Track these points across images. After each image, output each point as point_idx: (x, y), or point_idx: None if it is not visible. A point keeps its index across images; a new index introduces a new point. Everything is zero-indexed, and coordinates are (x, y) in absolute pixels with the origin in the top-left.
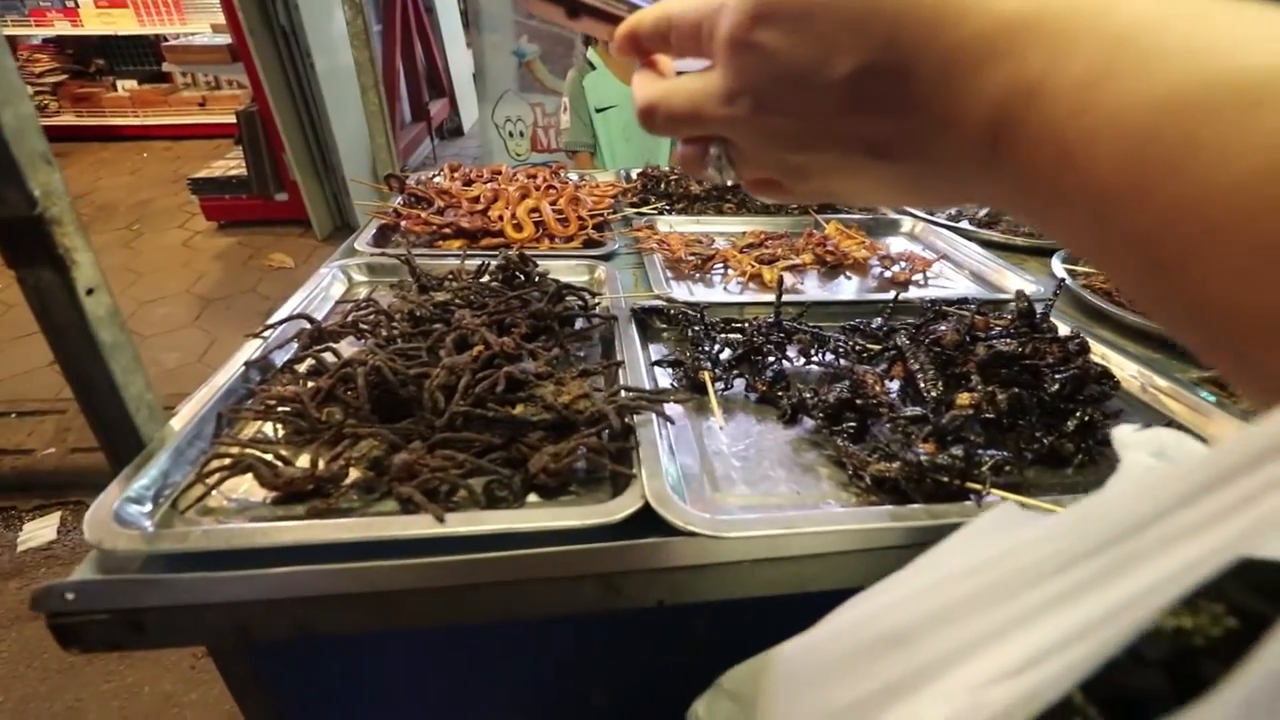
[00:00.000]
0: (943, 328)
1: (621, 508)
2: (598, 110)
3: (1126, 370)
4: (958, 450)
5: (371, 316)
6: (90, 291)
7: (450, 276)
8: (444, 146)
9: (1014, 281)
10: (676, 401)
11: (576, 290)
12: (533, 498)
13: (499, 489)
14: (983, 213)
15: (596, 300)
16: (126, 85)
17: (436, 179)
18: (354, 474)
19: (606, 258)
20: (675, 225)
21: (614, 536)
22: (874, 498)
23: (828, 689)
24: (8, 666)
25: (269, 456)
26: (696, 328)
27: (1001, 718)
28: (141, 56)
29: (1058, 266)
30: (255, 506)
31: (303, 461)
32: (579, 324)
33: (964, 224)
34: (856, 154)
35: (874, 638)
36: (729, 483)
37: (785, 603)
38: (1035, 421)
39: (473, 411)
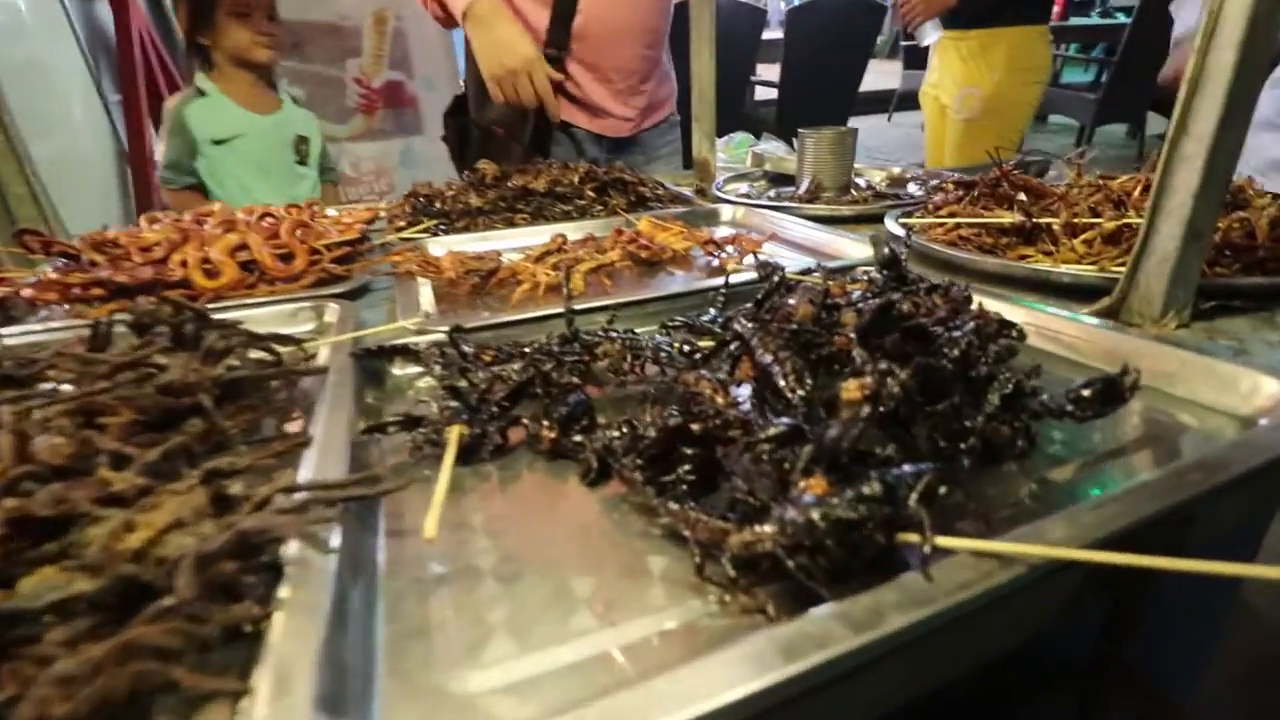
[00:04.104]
0: (791, 302)
1: None
2: (215, 142)
3: (1015, 317)
4: (869, 485)
5: None
6: None
7: (57, 354)
8: None
9: (853, 248)
10: (393, 491)
11: (262, 341)
12: None
13: None
14: (803, 190)
15: (308, 352)
16: None
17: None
18: None
19: (352, 295)
20: (455, 246)
21: None
22: (745, 597)
23: None
24: None
25: None
26: (441, 366)
27: None
28: None
29: (893, 225)
30: None
31: None
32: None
33: (786, 203)
34: None
35: None
36: (482, 635)
37: None
38: (959, 404)
39: None
